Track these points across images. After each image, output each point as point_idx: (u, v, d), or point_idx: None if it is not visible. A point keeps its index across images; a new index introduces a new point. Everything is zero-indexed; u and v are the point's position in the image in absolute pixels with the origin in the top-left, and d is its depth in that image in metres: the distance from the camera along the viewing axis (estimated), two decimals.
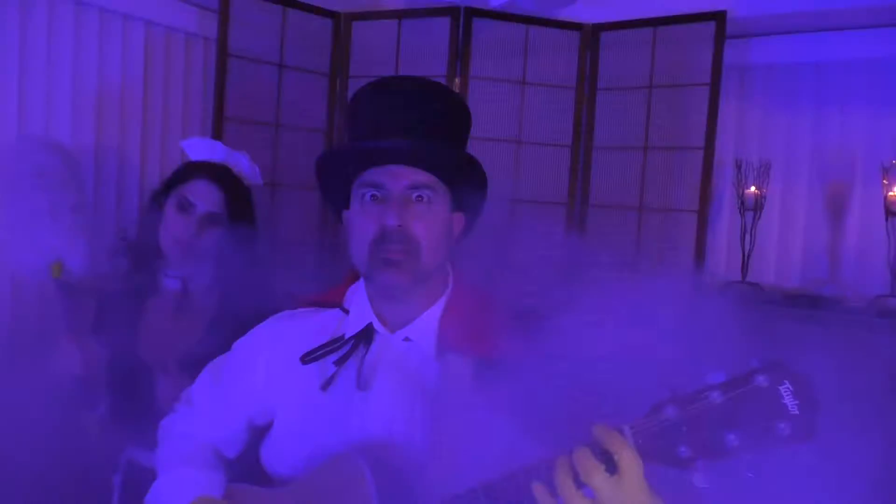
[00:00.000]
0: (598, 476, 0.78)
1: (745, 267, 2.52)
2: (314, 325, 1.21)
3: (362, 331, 1.15)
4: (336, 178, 1.17)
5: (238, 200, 1.68)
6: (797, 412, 0.73)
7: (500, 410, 1.05)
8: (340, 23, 2.70)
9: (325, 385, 1.12)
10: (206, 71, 2.68)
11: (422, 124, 1.10)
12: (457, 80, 2.61)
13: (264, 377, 1.19)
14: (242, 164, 1.77)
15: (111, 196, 2.38)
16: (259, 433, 1.24)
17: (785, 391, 0.73)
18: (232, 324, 1.36)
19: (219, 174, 1.68)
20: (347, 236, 1.17)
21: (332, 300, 1.24)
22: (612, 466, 0.78)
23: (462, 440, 1.00)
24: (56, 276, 1.62)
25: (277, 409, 1.18)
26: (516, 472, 0.85)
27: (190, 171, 1.69)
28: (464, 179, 1.14)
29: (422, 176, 1.10)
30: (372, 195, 1.11)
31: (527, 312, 1.16)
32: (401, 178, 1.09)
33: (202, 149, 1.75)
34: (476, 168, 1.13)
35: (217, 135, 2.44)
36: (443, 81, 2.58)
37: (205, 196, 1.64)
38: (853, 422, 0.89)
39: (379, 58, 2.70)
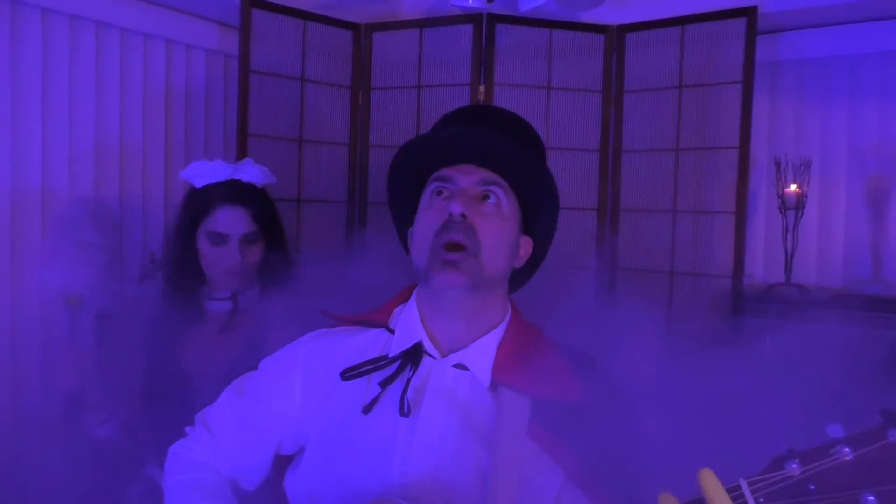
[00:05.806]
0: None
1: (788, 268, 2.44)
2: (356, 344, 1.10)
3: (410, 349, 1.04)
4: (407, 180, 1.15)
5: (264, 211, 1.70)
6: None
7: (558, 458, 0.96)
8: (361, 34, 2.67)
9: (368, 408, 1.01)
10: (228, 87, 2.66)
11: (497, 136, 1.07)
12: (481, 88, 2.56)
13: (300, 398, 1.08)
14: (250, 173, 1.73)
15: (138, 214, 2.36)
16: (282, 465, 1.13)
17: None
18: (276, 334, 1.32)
19: (235, 195, 1.66)
20: (410, 244, 1.12)
21: (377, 319, 1.13)
22: None
23: (513, 485, 0.90)
24: (73, 304, 1.67)
25: (312, 434, 1.07)
26: None
27: (208, 202, 1.66)
28: (536, 198, 1.10)
29: (492, 175, 1.07)
30: (439, 190, 1.07)
31: (583, 356, 1.07)
32: (471, 173, 1.07)
33: (204, 173, 1.70)
34: (549, 185, 1.10)
35: (241, 152, 2.40)
36: (467, 89, 2.57)
37: (232, 223, 1.64)
38: None
39: (401, 68, 2.66)
